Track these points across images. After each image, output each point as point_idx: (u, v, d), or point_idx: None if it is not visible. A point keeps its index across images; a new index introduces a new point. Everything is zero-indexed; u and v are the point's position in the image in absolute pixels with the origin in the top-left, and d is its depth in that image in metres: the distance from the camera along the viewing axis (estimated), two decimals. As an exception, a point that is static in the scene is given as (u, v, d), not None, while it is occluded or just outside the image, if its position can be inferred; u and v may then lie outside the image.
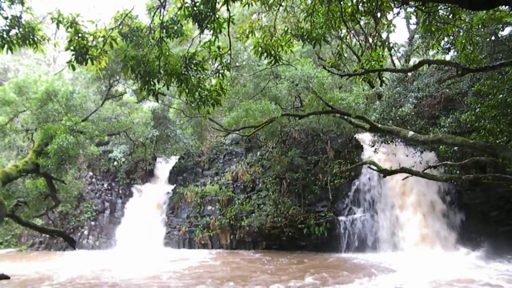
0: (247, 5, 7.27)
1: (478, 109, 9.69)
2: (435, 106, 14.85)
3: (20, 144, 18.00)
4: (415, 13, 9.48)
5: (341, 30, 9.94)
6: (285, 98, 17.13)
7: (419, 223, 14.90)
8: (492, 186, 12.92)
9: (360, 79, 8.27)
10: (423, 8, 6.74)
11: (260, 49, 7.27)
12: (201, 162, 23.11)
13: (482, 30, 9.63)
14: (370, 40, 9.41)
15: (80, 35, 6.09)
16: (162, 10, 6.41)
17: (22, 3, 6.30)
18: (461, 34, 8.11)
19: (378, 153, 15.24)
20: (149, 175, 24.17)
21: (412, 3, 7.20)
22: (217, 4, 6.11)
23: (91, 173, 23.18)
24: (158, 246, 20.04)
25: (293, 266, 13.17)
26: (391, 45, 20.03)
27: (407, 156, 15.22)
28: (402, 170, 10.82)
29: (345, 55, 16.10)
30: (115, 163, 22.48)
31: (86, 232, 20.95)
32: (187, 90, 6.55)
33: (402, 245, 14.92)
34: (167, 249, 19.82)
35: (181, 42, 6.78)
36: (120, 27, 6.52)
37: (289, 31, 7.44)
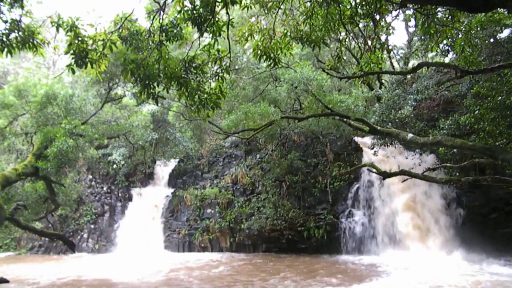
0: (246, 8, 7.29)
1: (477, 111, 9.71)
2: (434, 108, 14.88)
3: (19, 147, 18.01)
4: (414, 16, 9.52)
5: (340, 33, 9.96)
6: (284, 101, 17.14)
7: (418, 225, 14.89)
8: (491, 188, 12.91)
9: (359, 82, 8.27)
10: (422, 10, 6.76)
11: (259, 52, 7.28)
12: (201, 165, 23.10)
13: (481, 32, 9.66)
14: (369, 42, 9.44)
15: (79, 38, 6.11)
16: (162, 13, 6.43)
17: (22, 7, 6.32)
18: (460, 36, 8.14)
19: (378, 155, 15.25)
20: (148, 178, 24.14)
21: (411, 6, 7.22)
22: (216, 7, 6.13)
23: (90, 176, 23.16)
24: (159, 249, 19.98)
25: (294, 269, 13.13)
26: (390, 47, 20.01)
27: (406, 158, 15.23)
28: (402, 172, 10.82)
29: (344, 57, 16.15)
30: (115, 166, 22.48)
31: (85, 235, 20.92)
32: (186, 93, 6.56)
33: (402, 247, 14.90)
34: (168, 252, 19.75)
35: (181, 45, 6.81)
36: (120, 30, 6.54)
37: (288, 34, 7.45)
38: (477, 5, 4.60)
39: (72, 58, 6.17)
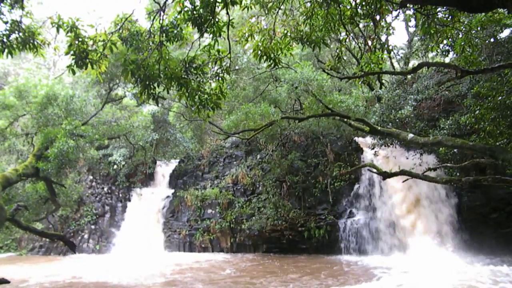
0: (246, 9, 7.30)
1: (477, 111, 9.70)
2: (434, 108, 14.87)
3: (20, 148, 18.04)
4: (414, 16, 9.52)
5: (340, 33, 9.97)
6: (284, 101, 17.15)
7: (419, 226, 14.87)
8: (492, 188, 12.90)
9: (360, 82, 8.27)
10: (422, 10, 6.75)
11: (259, 52, 7.28)
12: (201, 165, 23.10)
13: (481, 32, 9.66)
14: (369, 42, 9.44)
15: (80, 39, 6.12)
16: (162, 14, 6.43)
17: (22, 8, 6.34)
18: (460, 36, 8.14)
19: (378, 155, 15.24)
20: (149, 179, 24.14)
21: (411, 6, 7.22)
22: (216, 7, 6.13)
23: (91, 177, 23.17)
24: (159, 250, 19.98)
25: (294, 269, 13.13)
26: (390, 47, 20.04)
27: (407, 158, 15.21)
28: (402, 172, 10.79)
29: (345, 58, 16.17)
30: (115, 166, 22.50)
31: (86, 236, 20.92)
32: (187, 94, 6.56)
33: (402, 248, 14.89)
34: (169, 253, 19.75)
35: (181, 45, 6.81)
36: (120, 31, 6.55)
37: (288, 34, 7.46)
38: (477, 5, 4.60)
39: (73, 59, 6.17)
